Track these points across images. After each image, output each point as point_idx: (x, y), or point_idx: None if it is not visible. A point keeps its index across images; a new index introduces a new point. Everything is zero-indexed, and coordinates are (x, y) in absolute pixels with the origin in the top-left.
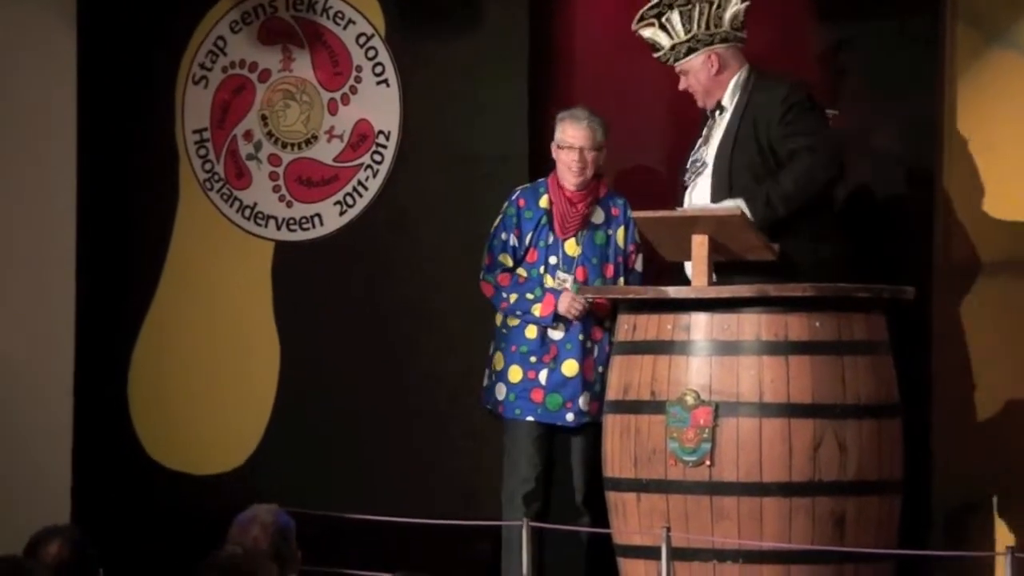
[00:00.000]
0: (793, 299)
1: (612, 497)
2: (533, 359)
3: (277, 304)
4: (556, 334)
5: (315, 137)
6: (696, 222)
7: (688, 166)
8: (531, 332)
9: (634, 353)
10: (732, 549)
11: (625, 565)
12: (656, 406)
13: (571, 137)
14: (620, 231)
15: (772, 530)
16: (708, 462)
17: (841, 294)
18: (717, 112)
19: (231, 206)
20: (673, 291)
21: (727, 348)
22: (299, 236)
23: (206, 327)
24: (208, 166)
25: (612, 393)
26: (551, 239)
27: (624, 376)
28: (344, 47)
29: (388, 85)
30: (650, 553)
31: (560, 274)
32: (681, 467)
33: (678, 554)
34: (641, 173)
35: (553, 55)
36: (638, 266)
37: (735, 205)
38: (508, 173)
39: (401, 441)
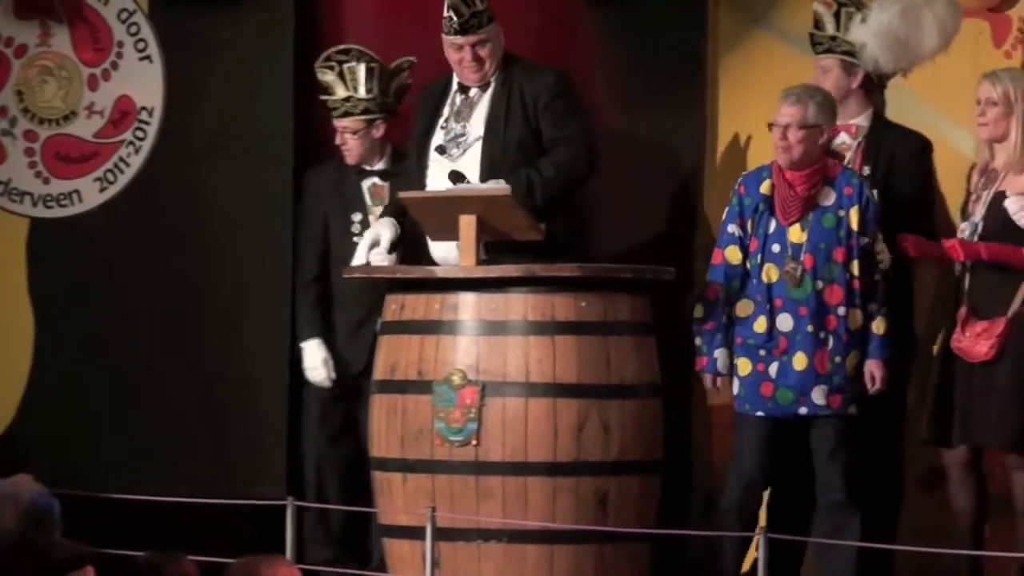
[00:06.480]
0: (560, 279)
1: (378, 477)
2: (763, 352)
3: (32, 281)
4: (784, 325)
5: (74, 113)
6: (464, 202)
7: (444, 142)
8: (760, 326)
9: (402, 333)
10: (497, 529)
11: (390, 546)
12: (423, 386)
13: (779, 115)
14: (853, 211)
15: (537, 510)
16: (474, 442)
17: (606, 275)
18: (470, 91)
19: None
20: (441, 271)
21: (495, 328)
22: (56, 213)
23: None
24: None
25: (379, 373)
26: (773, 226)
27: (391, 356)
28: (105, 23)
29: (151, 61)
30: (415, 533)
31: (790, 264)
32: (447, 447)
33: (443, 534)
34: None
35: (319, 32)
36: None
37: (502, 184)
38: (274, 150)
39: (165, 418)
